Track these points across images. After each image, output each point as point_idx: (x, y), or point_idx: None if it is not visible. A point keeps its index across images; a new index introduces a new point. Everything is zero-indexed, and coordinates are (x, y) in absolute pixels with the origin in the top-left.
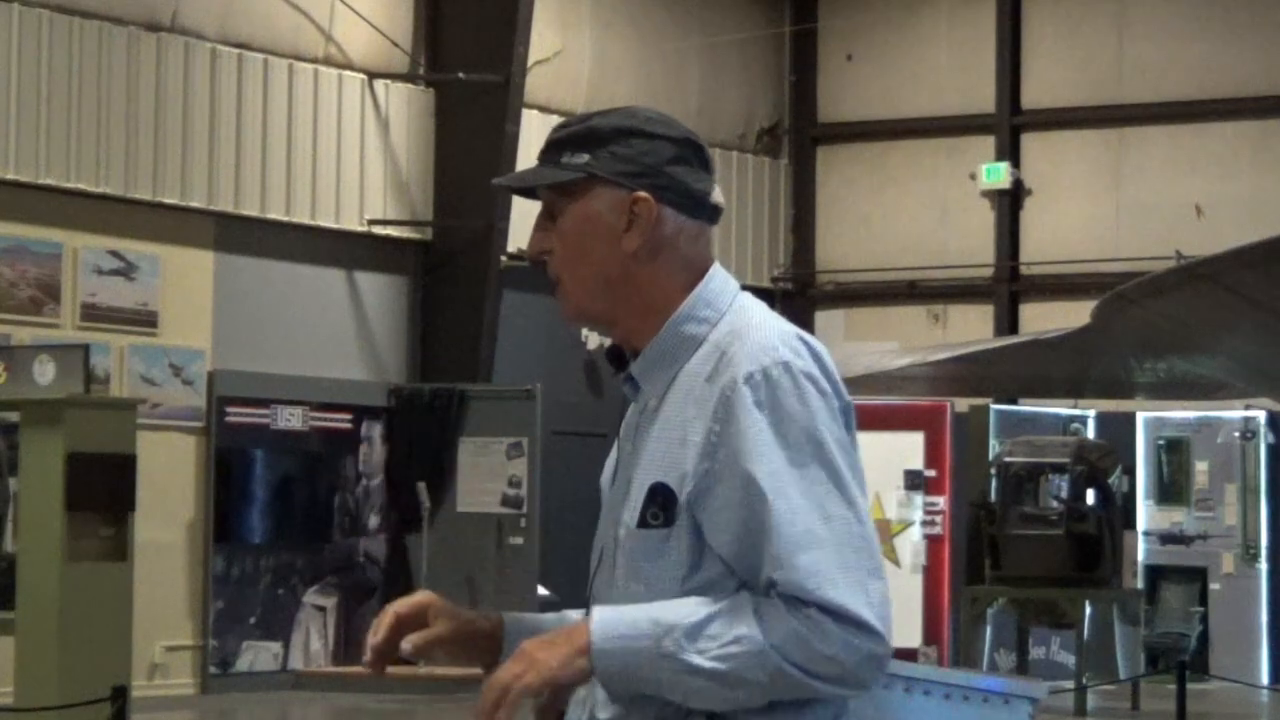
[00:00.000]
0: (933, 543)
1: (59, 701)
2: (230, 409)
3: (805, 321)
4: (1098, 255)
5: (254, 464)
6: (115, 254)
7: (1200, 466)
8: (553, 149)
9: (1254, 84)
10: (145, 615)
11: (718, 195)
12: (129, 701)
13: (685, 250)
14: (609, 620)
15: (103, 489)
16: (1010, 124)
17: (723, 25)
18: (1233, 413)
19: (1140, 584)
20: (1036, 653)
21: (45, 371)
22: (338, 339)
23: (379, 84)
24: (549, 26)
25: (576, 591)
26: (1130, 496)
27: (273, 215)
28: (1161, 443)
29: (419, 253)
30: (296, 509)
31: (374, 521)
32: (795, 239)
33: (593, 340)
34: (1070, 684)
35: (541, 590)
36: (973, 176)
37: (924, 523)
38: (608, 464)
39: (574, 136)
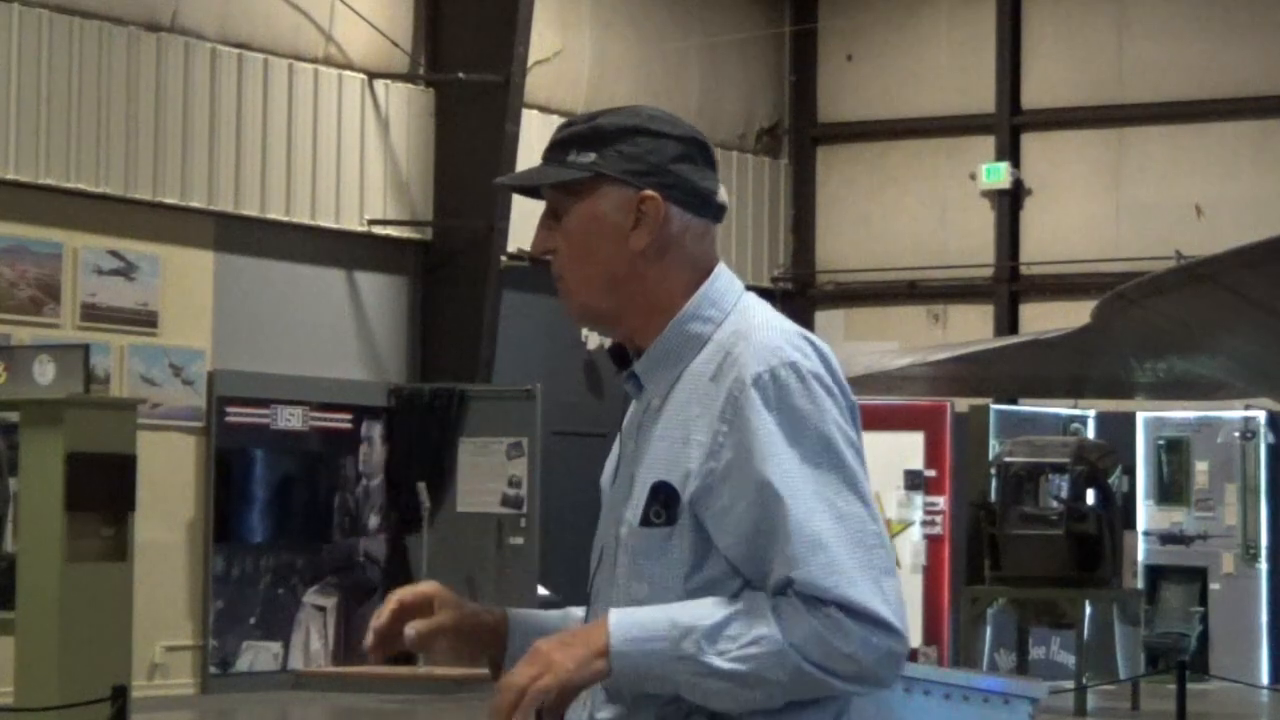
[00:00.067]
0: (933, 543)
1: (59, 701)
2: (230, 409)
3: (805, 321)
4: (1098, 255)
5: (254, 464)
6: (115, 254)
7: (1200, 466)
8: (558, 148)
9: (1254, 84)
10: (145, 615)
11: (723, 194)
12: (129, 701)
13: (691, 249)
14: (626, 622)
15: (103, 489)
16: (1010, 124)
17: (723, 25)
18: (1233, 413)
19: (1140, 584)
20: (1036, 653)
21: (45, 371)
22: (338, 339)
23: (379, 84)
24: (549, 26)
25: (577, 591)
26: (1130, 496)
27: (273, 215)
28: (1161, 443)
29: (419, 253)
30: (296, 509)
31: (374, 521)
32: (795, 239)
33: (593, 340)
34: (1070, 684)
35: (541, 590)
36: (973, 176)
37: (924, 523)
38: (608, 463)
39: (580, 135)
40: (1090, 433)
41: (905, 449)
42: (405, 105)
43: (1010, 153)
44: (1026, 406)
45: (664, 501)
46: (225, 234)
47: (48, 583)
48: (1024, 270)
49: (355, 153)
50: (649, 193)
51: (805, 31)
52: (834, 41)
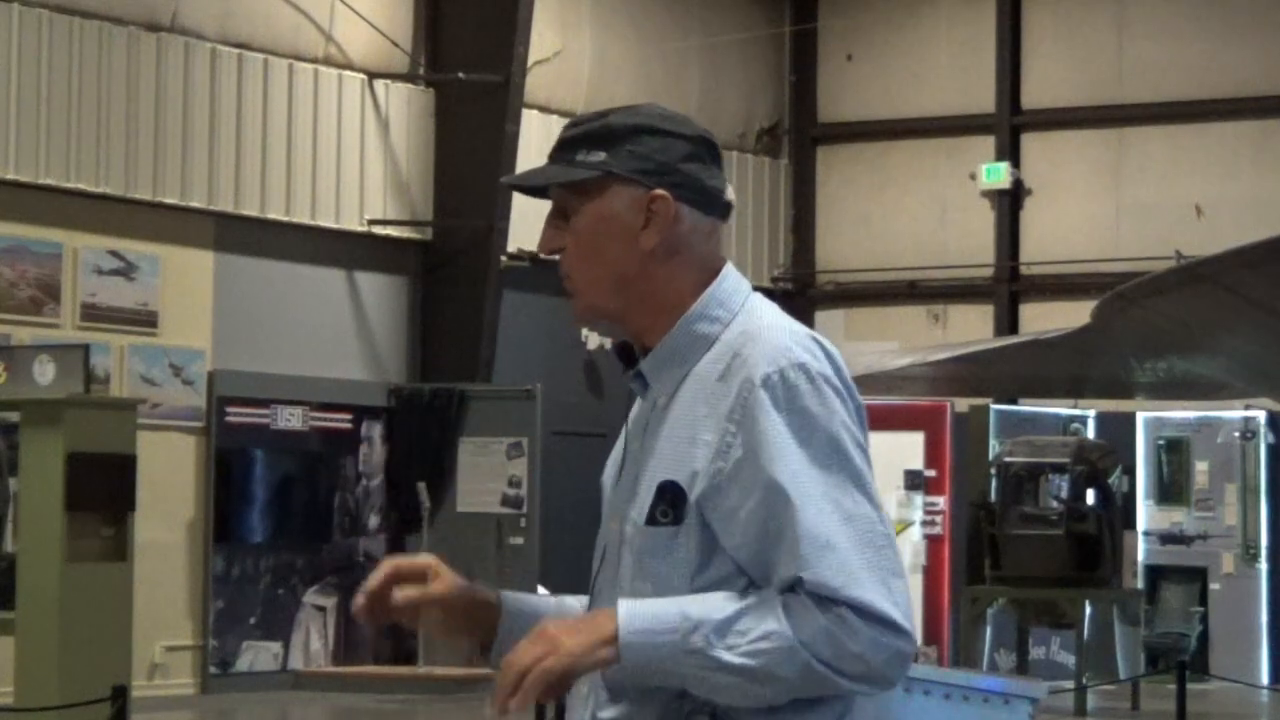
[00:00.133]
0: (933, 543)
1: (59, 701)
2: (230, 409)
3: (805, 321)
4: (1098, 255)
5: (254, 464)
6: (115, 254)
7: (1200, 466)
8: (566, 147)
9: (1254, 84)
10: (145, 615)
11: (730, 192)
12: (129, 701)
13: (700, 249)
14: (636, 612)
15: (103, 489)
16: (1010, 124)
17: (723, 25)
18: (1233, 413)
19: (1140, 584)
20: (1036, 653)
21: (45, 371)
22: (338, 339)
23: (379, 84)
24: (549, 26)
25: (577, 591)
26: (1130, 496)
27: (273, 215)
28: (1161, 443)
29: (419, 253)
30: (296, 509)
31: (374, 521)
32: (795, 239)
33: (593, 340)
34: (1070, 684)
35: (541, 590)
36: (973, 176)
37: (924, 523)
38: (610, 461)
39: (589, 134)
40: (1090, 433)
41: (905, 449)
42: (405, 105)
43: (1010, 153)
44: (1026, 406)
45: (671, 501)
46: (225, 234)
47: (48, 583)
48: (1024, 270)
49: (355, 153)
50: (660, 192)
51: (805, 31)
52: (834, 41)
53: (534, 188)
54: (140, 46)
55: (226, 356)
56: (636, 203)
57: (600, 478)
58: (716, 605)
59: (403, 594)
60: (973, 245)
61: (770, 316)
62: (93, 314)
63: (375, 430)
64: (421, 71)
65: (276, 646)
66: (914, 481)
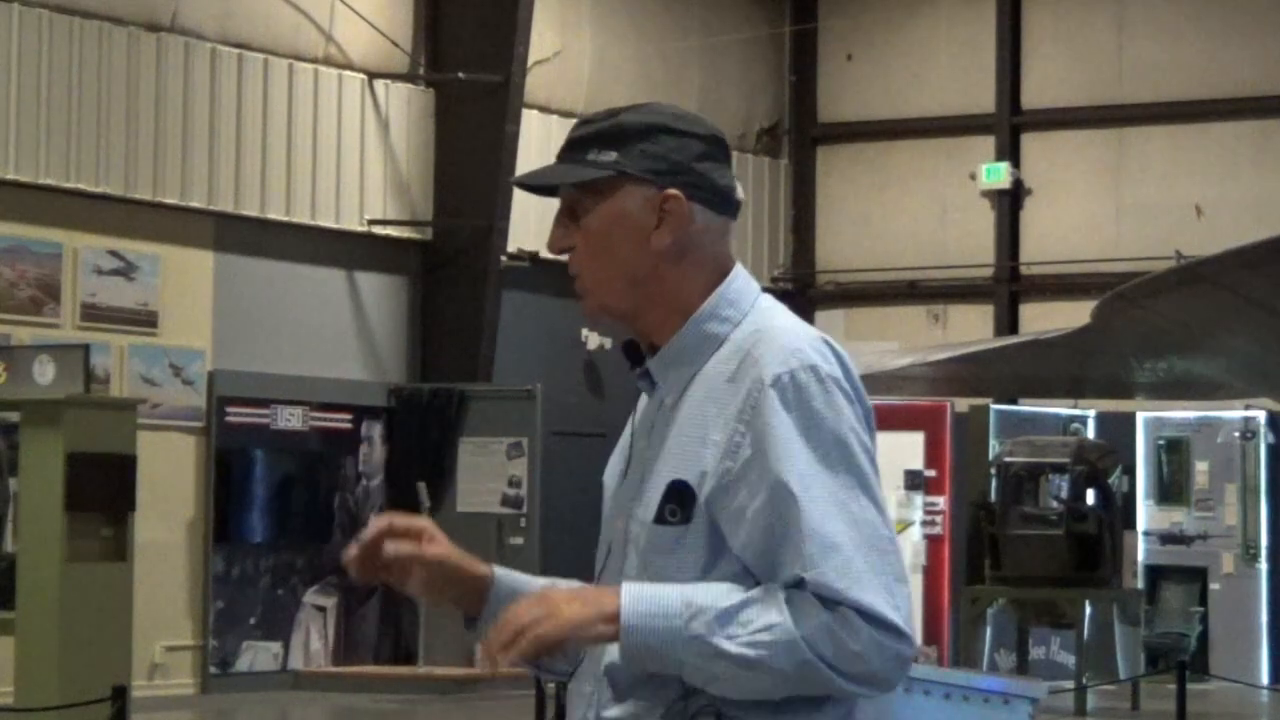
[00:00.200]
0: (933, 543)
1: (59, 701)
2: (230, 409)
3: (805, 321)
4: (1098, 255)
5: (254, 464)
6: (115, 254)
7: (1200, 466)
8: (577, 146)
9: (1254, 84)
10: (145, 615)
11: (740, 191)
12: (129, 701)
13: (712, 248)
14: (639, 595)
15: (103, 489)
16: (1010, 124)
17: (723, 25)
18: (1233, 413)
19: (1140, 584)
20: (1036, 653)
21: (45, 371)
22: (338, 339)
23: (379, 84)
24: (549, 26)
25: None
26: (1130, 496)
27: (273, 215)
28: (1161, 443)
29: (419, 253)
30: (296, 509)
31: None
32: (795, 239)
33: (593, 340)
34: (1070, 684)
35: None
36: (973, 176)
37: (924, 523)
38: (613, 460)
39: (601, 133)
40: (1090, 433)
41: (905, 449)
42: (405, 105)
43: (1010, 153)
44: (1026, 406)
45: (679, 500)
46: (225, 234)
47: (48, 583)
48: (1024, 270)
49: (355, 153)
50: (673, 191)
51: (805, 31)
52: (834, 41)
53: (543, 187)
54: (140, 46)
55: (226, 356)
56: (649, 202)
57: (600, 477)
58: (720, 594)
59: (395, 548)
60: (973, 245)
61: (781, 318)
62: (93, 314)
63: (375, 430)
64: (421, 71)
65: (276, 646)
66: (914, 481)
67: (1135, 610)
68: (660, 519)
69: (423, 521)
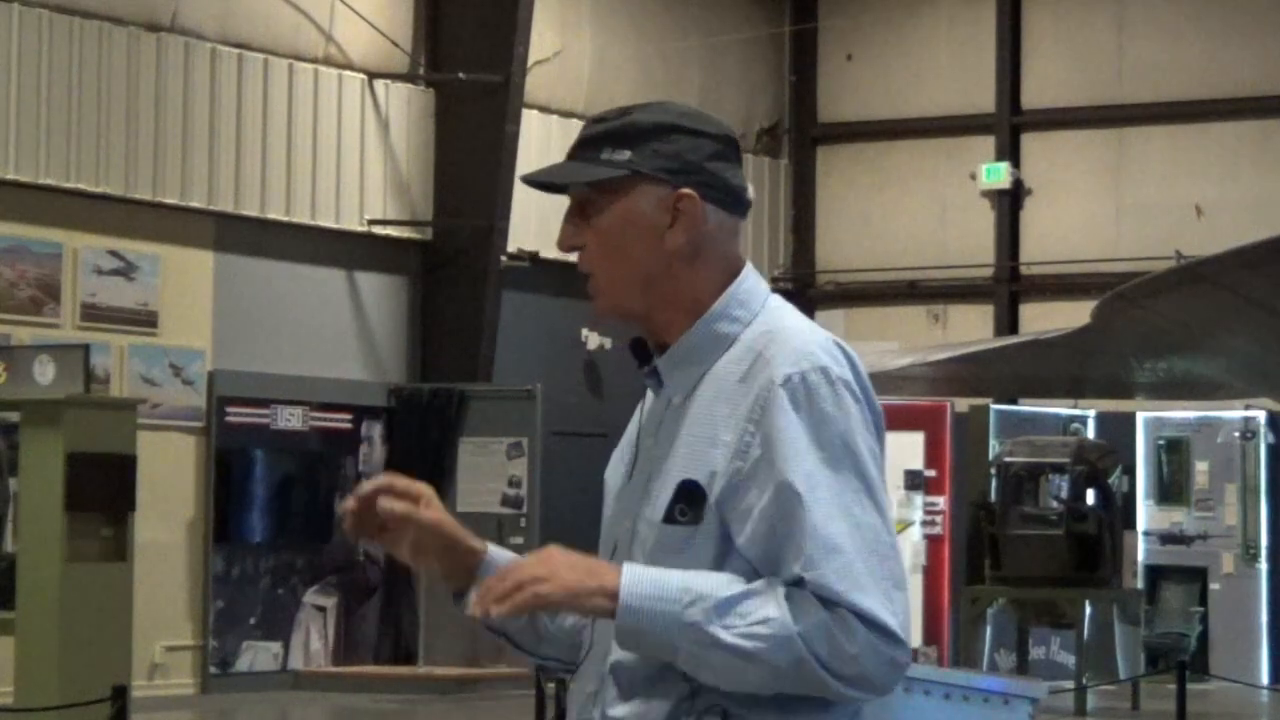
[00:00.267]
0: (933, 543)
1: (59, 701)
2: (230, 409)
3: None
4: (1098, 255)
5: (254, 464)
6: (115, 254)
7: (1200, 466)
8: (590, 144)
9: (1254, 84)
10: (145, 615)
11: (751, 191)
12: (129, 701)
13: (723, 248)
14: (640, 576)
15: (103, 489)
16: (1010, 124)
17: (723, 25)
18: (1233, 413)
19: (1140, 584)
20: (1036, 653)
21: (45, 371)
22: (338, 339)
23: (379, 84)
24: (549, 26)
25: None
26: (1130, 496)
27: (273, 215)
28: (1161, 443)
29: (419, 253)
30: (296, 509)
31: None
32: (795, 239)
33: (593, 340)
34: (1070, 684)
35: None
36: (973, 176)
37: (924, 523)
38: (616, 457)
39: (613, 132)
40: (1090, 433)
41: (905, 449)
42: (405, 105)
43: (1010, 153)
44: (1026, 406)
45: (689, 500)
46: (225, 234)
47: (48, 583)
48: (1024, 270)
49: (355, 153)
50: (687, 191)
51: (805, 31)
52: (834, 41)
53: (553, 184)
54: (140, 46)
55: (226, 356)
56: (663, 202)
57: (601, 477)
58: (721, 584)
59: (388, 504)
60: (973, 245)
61: (792, 318)
62: (93, 314)
63: (375, 430)
64: (421, 71)
65: (276, 646)
66: (914, 481)
67: (1135, 610)
68: (670, 519)
69: (421, 486)
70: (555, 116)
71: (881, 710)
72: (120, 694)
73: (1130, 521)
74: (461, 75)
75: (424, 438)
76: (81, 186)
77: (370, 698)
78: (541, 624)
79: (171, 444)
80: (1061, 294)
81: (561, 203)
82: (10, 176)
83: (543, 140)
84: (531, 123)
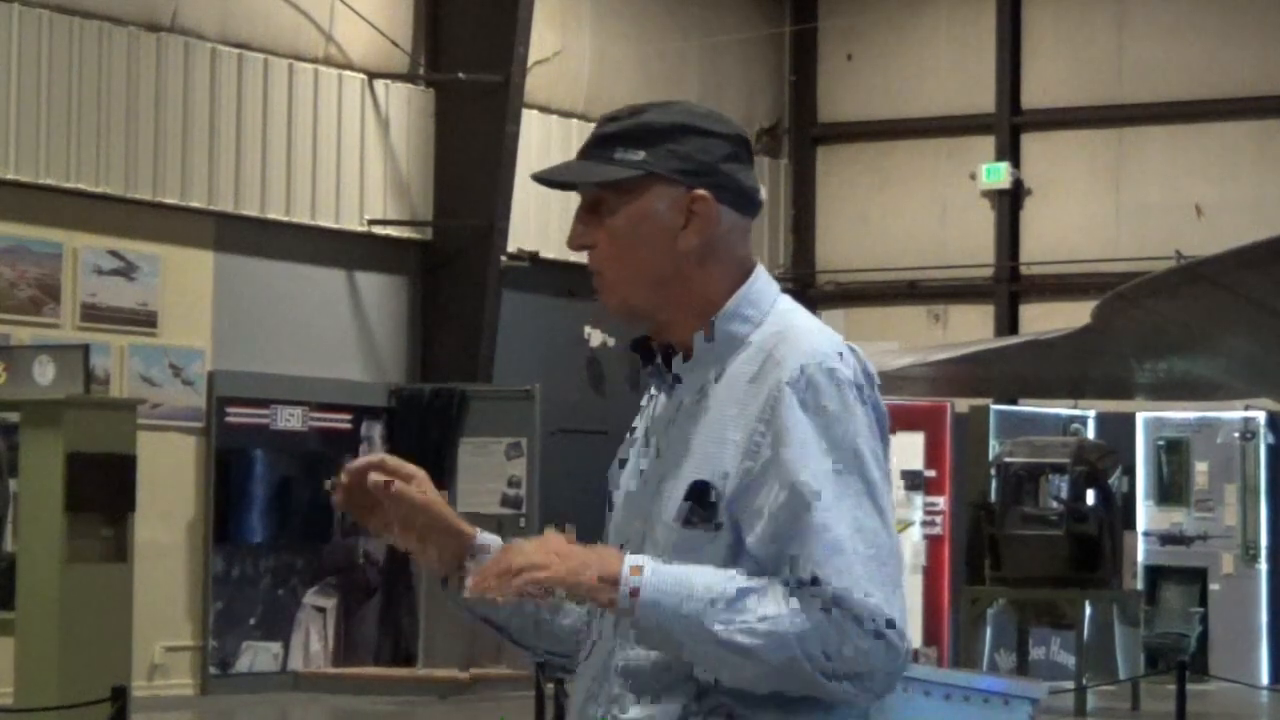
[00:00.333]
0: (933, 543)
1: (59, 701)
2: (230, 409)
3: None
4: (1098, 255)
5: (254, 464)
6: (115, 254)
7: (1200, 467)
8: (603, 143)
9: (1254, 84)
10: (145, 615)
11: (763, 192)
12: (129, 702)
13: (736, 249)
14: (639, 565)
15: (103, 489)
16: (1010, 124)
17: (723, 25)
18: (1233, 413)
19: (1140, 584)
20: (1036, 653)
21: (45, 371)
22: (338, 339)
23: (379, 84)
24: (549, 26)
25: None
26: (1130, 497)
27: (273, 215)
28: (1161, 443)
29: (419, 253)
30: (296, 509)
31: None
32: (795, 239)
33: (595, 337)
34: (1070, 684)
35: None
36: (973, 176)
37: (924, 523)
38: (621, 455)
39: (627, 132)
40: (1090, 433)
41: (905, 449)
42: (405, 105)
43: (1010, 153)
44: (1026, 407)
45: (702, 500)
46: (225, 234)
47: (48, 583)
48: (1024, 270)
49: (355, 153)
50: (701, 192)
51: (805, 31)
52: (834, 41)
53: (559, 182)
54: (140, 46)
55: (226, 356)
56: (677, 203)
57: (602, 476)
58: (723, 579)
59: (379, 477)
60: (973, 245)
61: (802, 319)
62: (93, 314)
63: (375, 430)
64: (421, 71)
65: (276, 647)
66: (914, 481)
67: (1135, 610)
68: (683, 519)
69: (415, 469)
70: (555, 116)
71: (881, 710)
72: (120, 694)
73: (1130, 522)
74: (461, 75)
75: (424, 438)
76: (81, 186)
77: (370, 699)
78: (542, 619)
79: (171, 444)
80: (1061, 294)
81: (562, 203)
82: (10, 176)
83: (542, 140)
84: (531, 123)
